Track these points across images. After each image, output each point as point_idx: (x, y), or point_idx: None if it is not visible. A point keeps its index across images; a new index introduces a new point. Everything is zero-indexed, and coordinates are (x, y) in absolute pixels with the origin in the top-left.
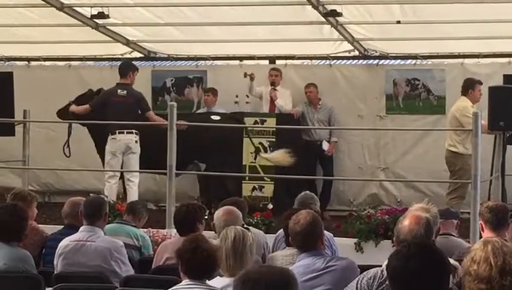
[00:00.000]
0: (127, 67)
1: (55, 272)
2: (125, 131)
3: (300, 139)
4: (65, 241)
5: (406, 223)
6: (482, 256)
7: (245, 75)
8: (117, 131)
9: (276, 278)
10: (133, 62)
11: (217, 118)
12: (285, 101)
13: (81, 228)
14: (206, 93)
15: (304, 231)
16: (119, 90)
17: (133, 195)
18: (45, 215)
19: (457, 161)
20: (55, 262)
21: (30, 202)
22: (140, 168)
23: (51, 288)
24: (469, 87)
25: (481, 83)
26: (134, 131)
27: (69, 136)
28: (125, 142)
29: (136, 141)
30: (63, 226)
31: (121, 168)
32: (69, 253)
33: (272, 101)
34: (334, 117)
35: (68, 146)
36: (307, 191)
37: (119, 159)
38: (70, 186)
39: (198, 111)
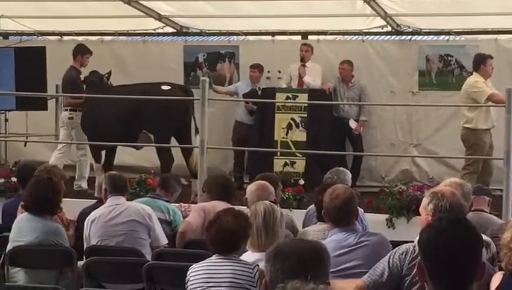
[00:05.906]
0: (74, 51)
1: (86, 244)
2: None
3: (331, 115)
4: (95, 211)
5: None
6: None
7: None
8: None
9: (308, 251)
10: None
11: (167, 87)
12: (313, 77)
13: (108, 200)
14: (252, 69)
15: (341, 205)
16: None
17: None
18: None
19: (470, 137)
20: (85, 233)
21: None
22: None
23: (83, 261)
24: (480, 62)
25: (492, 58)
26: (69, 108)
27: None
28: (62, 118)
29: (70, 118)
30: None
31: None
32: (101, 217)
33: (301, 77)
34: (364, 95)
35: None
36: (339, 167)
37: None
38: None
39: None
